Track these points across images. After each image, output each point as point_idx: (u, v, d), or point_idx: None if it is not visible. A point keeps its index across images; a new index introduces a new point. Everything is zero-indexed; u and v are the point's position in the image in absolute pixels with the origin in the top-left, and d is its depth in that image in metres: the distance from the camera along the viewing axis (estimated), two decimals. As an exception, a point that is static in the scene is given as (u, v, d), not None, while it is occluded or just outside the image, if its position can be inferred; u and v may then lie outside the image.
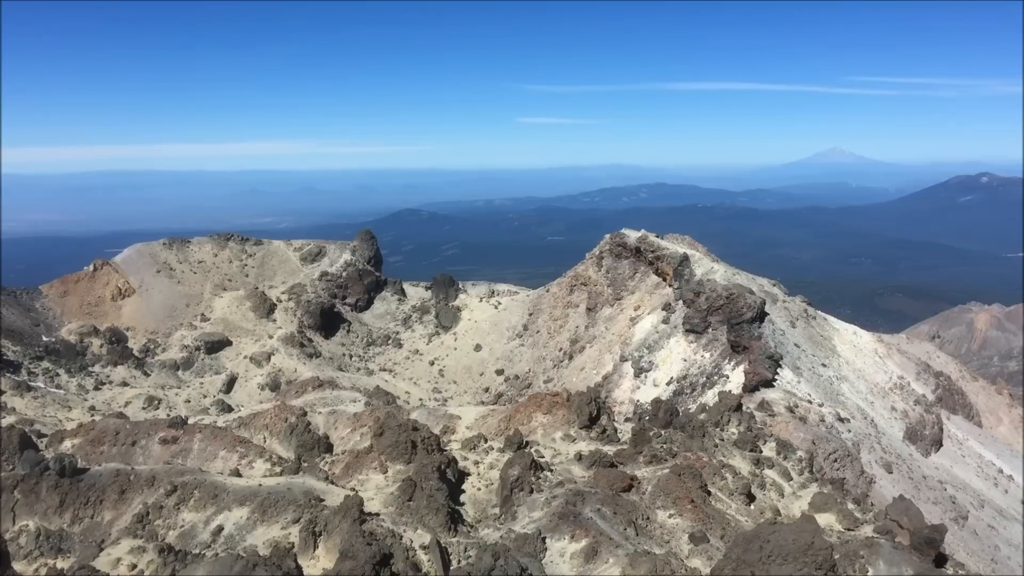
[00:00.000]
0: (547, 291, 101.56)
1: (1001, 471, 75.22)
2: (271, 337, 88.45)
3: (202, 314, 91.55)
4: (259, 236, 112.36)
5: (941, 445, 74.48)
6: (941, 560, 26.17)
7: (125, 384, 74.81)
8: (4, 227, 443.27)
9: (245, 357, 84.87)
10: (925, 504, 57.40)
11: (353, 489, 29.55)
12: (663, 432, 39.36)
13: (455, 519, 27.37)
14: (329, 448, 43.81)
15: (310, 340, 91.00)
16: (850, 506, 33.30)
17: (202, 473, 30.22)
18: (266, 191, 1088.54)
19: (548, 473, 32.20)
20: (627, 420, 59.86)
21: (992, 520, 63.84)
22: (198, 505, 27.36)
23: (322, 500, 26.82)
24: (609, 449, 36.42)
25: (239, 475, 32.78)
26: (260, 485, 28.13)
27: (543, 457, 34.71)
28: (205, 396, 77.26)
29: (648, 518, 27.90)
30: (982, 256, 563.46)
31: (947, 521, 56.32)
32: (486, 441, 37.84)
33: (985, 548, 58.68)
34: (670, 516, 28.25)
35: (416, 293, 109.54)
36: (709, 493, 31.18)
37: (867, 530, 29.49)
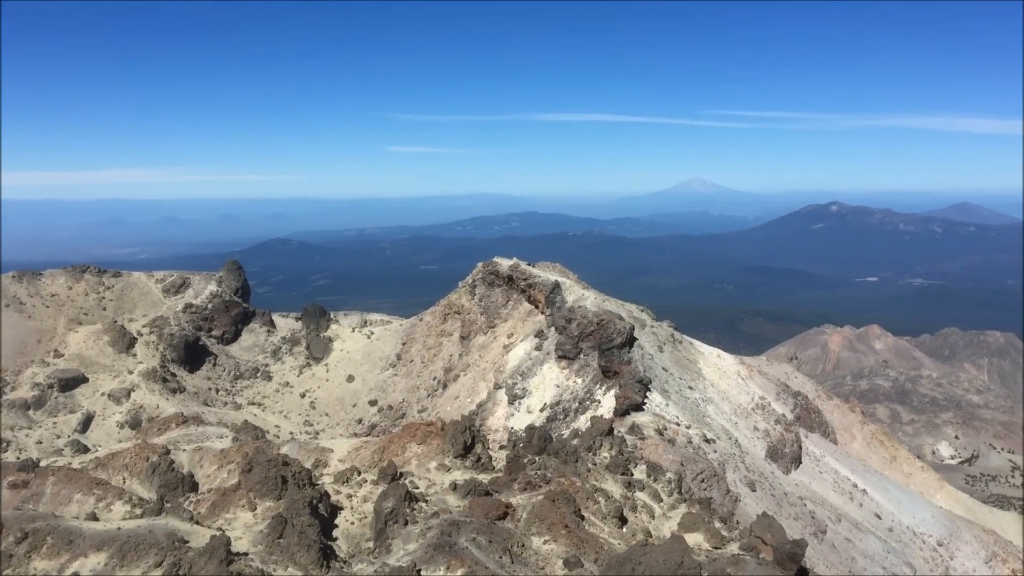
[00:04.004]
0: (420, 320, 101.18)
1: (856, 485, 79.06)
2: (131, 372, 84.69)
3: (55, 350, 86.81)
4: (118, 267, 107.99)
5: (800, 462, 77.73)
6: (803, 573, 27.19)
7: (-31, 426, 70.23)
8: None
9: (103, 394, 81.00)
10: (787, 520, 59.69)
11: (220, 529, 28.51)
12: (537, 458, 39.62)
13: (327, 555, 26.73)
14: (194, 487, 42.16)
15: (173, 375, 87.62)
16: (717, 524, 34.22)
17: (55, 518, 28.52)
18: (125, 220, 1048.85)
19: (423, 504, 31.90)
20: (502, 447, 59.97)
21: (848, 533, 66.89)
22: (51, 552, 25.79)
23: (186, 542, 25.72)
24: (484, 477, 36.39)
25: (96, 519, 31.13)
26: (119, 529, 26.76)
27: (418, 488, 34.38)
28: (59, 436, 73.51)
29: (523, 545, 27.95)
30: (834, 281, 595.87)
31: (807, 535, 58.70)
32: (359, 474, 37.19)
33: (843, 560, 61.41)
34: (545, 542, 28.38)
35: (286, 324, 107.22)
36: (583, 517, 31.50)
37: (733, 547, 30.36)
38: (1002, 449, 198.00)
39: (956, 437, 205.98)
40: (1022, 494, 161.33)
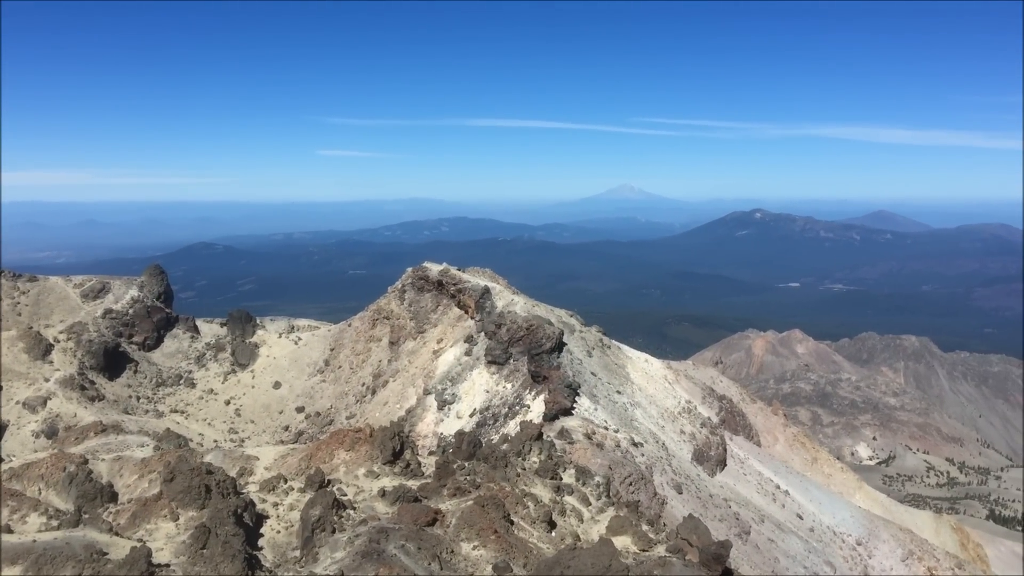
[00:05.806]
0: (349, 325, 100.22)
1: (778, 487, 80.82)
2: (47, 380, 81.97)
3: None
4: (34, 272, 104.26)
5: (725, 465, 79.17)
6: (727, 574, 27.69)
7: None
8: None
9: (17, 403, 78.25)
10: (712, 521, 60.72)
11: (140, 540, 27.81)
12: (467, 464, 39.56)
13: (253, 565, 26.28)
14: (114, 497, 41.03)
15: (92, 382, 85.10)
16: (644, 527, 34.61)
17: (-35, 532, 27.51)
18: (42, 224, 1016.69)
19: (351, 511, 31.59)
20: (431, 453, 59.76)
21: (771, 534, 68.34)
22: (-40, 568, 24.89)
23: (105, 554, 25.02)
24: (413, 483, 36.19)
25: (11, 531, 30.10)
26: (35, 541, 25.91)
27: (346, 495, 34.03)
28: (-30, 447, 70.81)
29: (452, 551, 27.88)
30: (757, 286, 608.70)
31: (732, 536, 59.81)
32: (286, 482, 36.65)
33: (766, 560, 62.71)
34: (474, 548, 28.36)
35: (210, 330, 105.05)
36: (512, 523, 31.56)
37: (660, 550, 30.75)
38: (917, 450, 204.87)
39: (874, 439, 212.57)
40: (937, 493, 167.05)
